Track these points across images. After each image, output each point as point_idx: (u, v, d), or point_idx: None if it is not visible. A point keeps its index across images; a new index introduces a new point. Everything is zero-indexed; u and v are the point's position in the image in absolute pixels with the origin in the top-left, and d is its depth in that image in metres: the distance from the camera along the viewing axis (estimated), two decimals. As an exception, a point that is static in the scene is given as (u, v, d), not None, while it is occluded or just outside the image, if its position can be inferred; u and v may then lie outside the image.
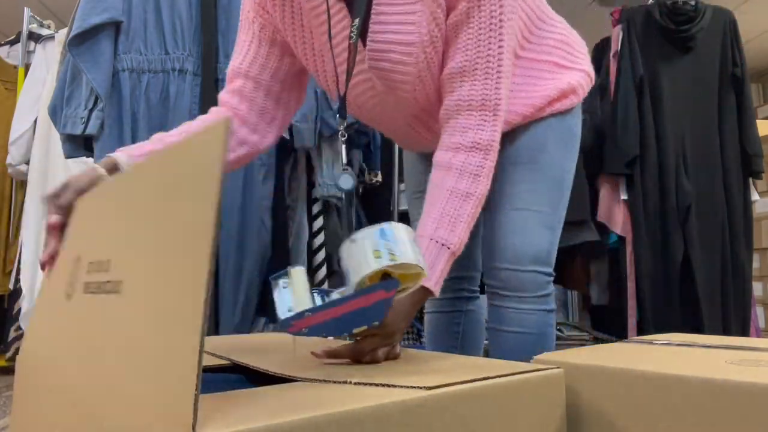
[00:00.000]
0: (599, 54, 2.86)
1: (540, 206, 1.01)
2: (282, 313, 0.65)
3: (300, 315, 0.62)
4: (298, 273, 0.68)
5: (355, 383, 0.55)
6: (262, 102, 1.01)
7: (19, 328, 2.49)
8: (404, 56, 0.86)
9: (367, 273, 0.63)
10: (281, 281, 0.68)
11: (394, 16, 0.85)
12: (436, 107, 0.93)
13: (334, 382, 0.56)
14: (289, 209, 2.06)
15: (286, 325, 0.63)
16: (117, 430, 0.48)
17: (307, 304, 0.66)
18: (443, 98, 0.88)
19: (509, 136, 1.01)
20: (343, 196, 2.06)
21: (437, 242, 0.78)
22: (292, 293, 0.67)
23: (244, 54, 1.00)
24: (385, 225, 0.66)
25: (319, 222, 2.10)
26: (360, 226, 2.27)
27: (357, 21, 0.83)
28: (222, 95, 1.03)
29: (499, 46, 0.83)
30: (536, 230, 1.02)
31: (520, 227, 1.01)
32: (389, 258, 0.63)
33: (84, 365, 0.57)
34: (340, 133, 0.97)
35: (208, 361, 0.73)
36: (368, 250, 0.64)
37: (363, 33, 0.86)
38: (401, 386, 0.52)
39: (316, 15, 0.91)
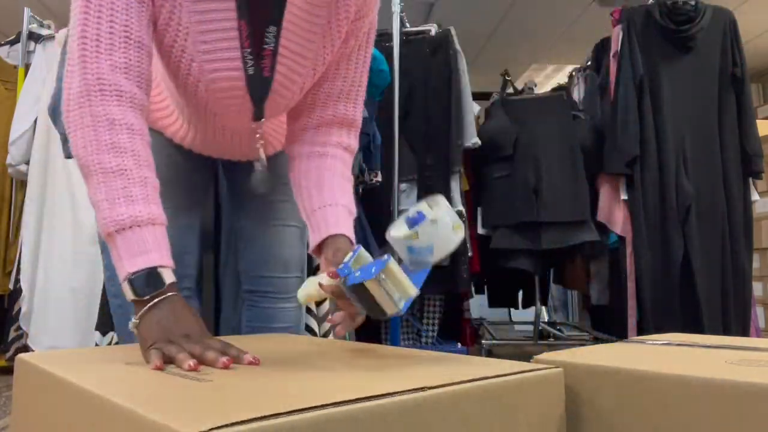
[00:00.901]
0: (599, 54, 2.86)
1: (298, 222, 1.19)
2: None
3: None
4: (391, 265, 0.72)
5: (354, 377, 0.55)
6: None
7: (19, 328, 2.49)
8: (298, 78, 0.98)
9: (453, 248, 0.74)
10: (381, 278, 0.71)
11: (300, 36, 0.95)
12: (284, 116, 1.11)
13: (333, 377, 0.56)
14: (289, 209, 2.05)
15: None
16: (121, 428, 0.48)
17: (411, 290, 0.72)
18: (313, 107, 1.03)
19: (278, 158, 1.16)
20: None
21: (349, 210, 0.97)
22: (395, 285, 0.71)
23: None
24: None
25: (319, 222, 2.09)
26: (360, 225, 2.27)
27: (273, 29, 0.92)
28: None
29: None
30: (297, 243, 1.23)
31: (288, 241, 1.22)
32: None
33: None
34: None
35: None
36: (449, 227, 0.73)
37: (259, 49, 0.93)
38: (401, 385, 0.52)
39: (200, 20, 0.90)
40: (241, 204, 1.25)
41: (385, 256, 0.71)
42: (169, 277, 0.77)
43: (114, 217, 0.75)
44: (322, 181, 0.98)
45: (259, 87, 0.95)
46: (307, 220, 0.98)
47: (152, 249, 0.76)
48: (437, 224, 0.72)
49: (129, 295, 0.78)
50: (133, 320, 0.78)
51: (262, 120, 0.99)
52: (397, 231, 0.74)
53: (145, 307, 0.76)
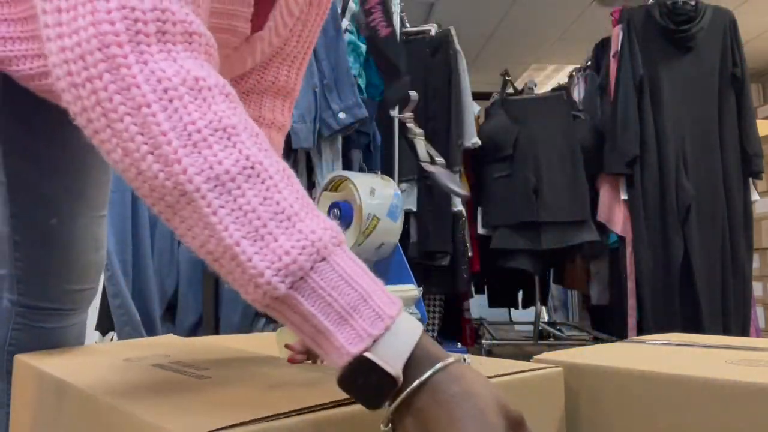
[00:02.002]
0: (599, 54, 2.86)
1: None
2: None
3: None
4: None
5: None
6: None
7: (19, 328, 2.49)
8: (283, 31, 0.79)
9: None
10: None
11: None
12: None
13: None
14: (289, 209, 2.05)
15: None
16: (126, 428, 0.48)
17: None
18: (252, 68, 0.82)
19: None
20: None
21: None
22: None
23: None
24: None
25: (319, 222, 2.09)
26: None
27: None
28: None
29: (311, 48, 0.88)
30: (105, 241, 0.92)
31: (101, 239, 0.89)
32: None
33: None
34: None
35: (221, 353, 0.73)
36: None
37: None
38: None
39: None
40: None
41: None
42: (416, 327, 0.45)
43: (282, 265, 0.42)
44: None
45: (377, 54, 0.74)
46: None
47: (376, 295, 0.44)
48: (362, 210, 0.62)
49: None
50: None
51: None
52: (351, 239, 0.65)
53: (425, 392, 0.43)
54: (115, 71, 0.41)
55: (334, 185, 0.64)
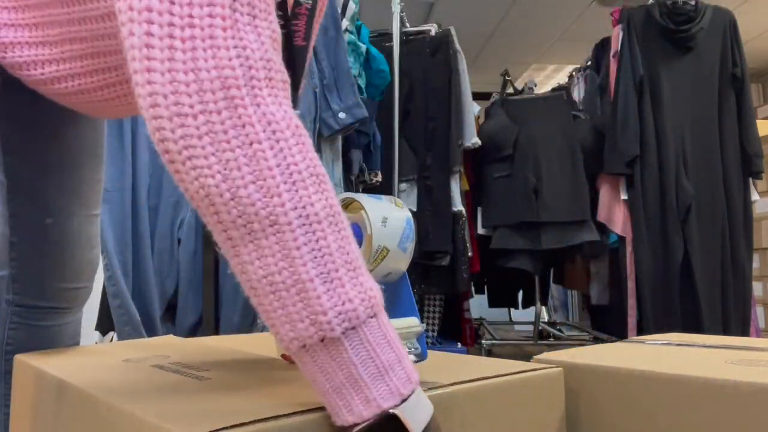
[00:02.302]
0: (599, 54, 2.86)
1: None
2: None
3: None
4: None
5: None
6: None
7: (19, 328, 2.49)
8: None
9: None
10: None
11: None
12: None
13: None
14: (289, 209, 2.05)
15: None
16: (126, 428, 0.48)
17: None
18: None
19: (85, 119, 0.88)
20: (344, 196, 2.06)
21: None
22: None
23: None
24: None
25: (319, 222, 2.09)
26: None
27: None
28: None
29: None
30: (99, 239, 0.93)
31: (95, 238, 0.91)
32: None
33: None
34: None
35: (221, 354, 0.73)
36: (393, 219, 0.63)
37: None
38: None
39: None
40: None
41: None
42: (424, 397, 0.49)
43: (344, 309, 0.45)
44: None
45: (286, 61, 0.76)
46: None
47: (407, 361, 0.48)
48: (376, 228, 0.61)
49: None
50: None
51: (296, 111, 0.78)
52: None
53: None
54: (233, 109, 0.46)
55: (345, 203, 0.64)
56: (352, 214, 0.63)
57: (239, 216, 0.45)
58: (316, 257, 0.45)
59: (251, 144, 0.46)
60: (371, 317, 0.46)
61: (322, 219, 0.47)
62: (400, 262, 0.64)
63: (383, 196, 0.66)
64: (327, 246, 0.46)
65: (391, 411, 0.44)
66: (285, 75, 0.51)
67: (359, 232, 0.61)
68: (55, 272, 0.86)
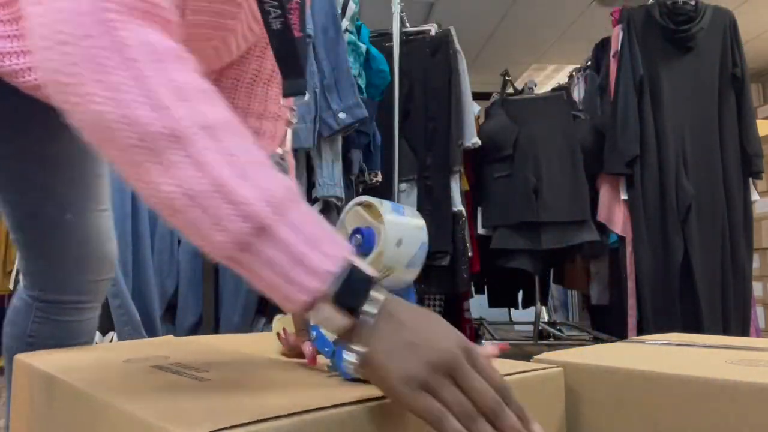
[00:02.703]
0: (599, 54, 2.86)
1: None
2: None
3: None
4: None
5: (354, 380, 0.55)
6: None
7: (19, 328, 2.49)
8: None
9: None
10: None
11: None
12: None
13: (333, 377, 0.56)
14: (289, 209, 2.05)
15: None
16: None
17: None
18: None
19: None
20: (343, 196, 2.06)
21: None
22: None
23: None
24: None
25: (319, 222, 2.09)
26: (360, 226, 2.26)
27: None
28: None
29: None
30: (113, 234, 0.95)
31: (107, 231, 0.92)
32: None
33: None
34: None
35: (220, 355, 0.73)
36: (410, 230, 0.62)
37: None
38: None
39: None
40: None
41: None
42: (367, 267, 0.51)
43: (267, 197, 0.47)
44: None
45: (287, 51, 0.71)
46: None
47: (335, 233, 0.50)
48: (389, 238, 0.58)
49: (329, 314, 0.49)
50: (352, 357, 0.49)
51: (305, 97, 0.77)
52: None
53: (372, 321, 0.49)
54: (112, 32, 0.46)
55: (366, 204, 0.62)
56: (371, 218, 0.62)
57: (140, 139, 0.45)
58: (226, 160, 0.46)
59: (134, 63, 0.46)
60: (293, 201, 0.48)
61: (220, 127, 0.48)
62: (406, 276, 0.63)
63: (406, 208, 0.65)
64: (234, 148, 0.47)
65: (342, 264, 0.47)
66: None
67: (371, 240, 0.60)
68: (79, 266, 0.87)
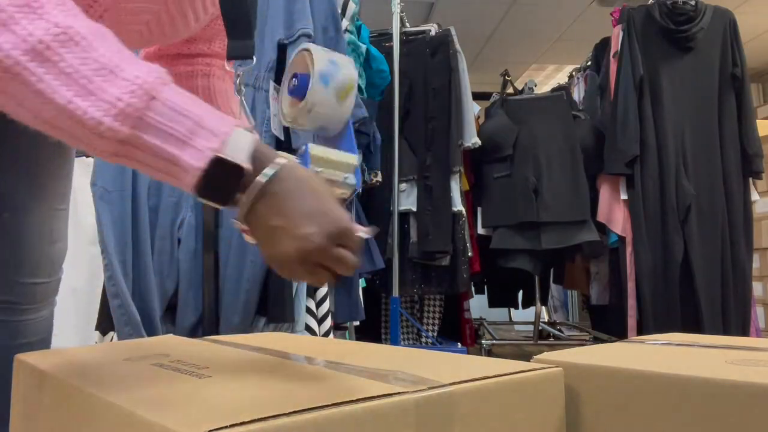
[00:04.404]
0: (599, 54, 2.86)
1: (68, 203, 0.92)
2: None
3: None
4: (314, 151, 0.66)
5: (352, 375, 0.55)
6: None
7: (19, 328, 2.48)
8: None
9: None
10: None
11: None
12: None
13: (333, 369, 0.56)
14: (289, 209, 2.05)
15: None
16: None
17: (351, 159, 0.67)
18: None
19: None
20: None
21: None
22: (334, 167, 0.65)
23: None
24: None
25: (319, 222, 2.09)
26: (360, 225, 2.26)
27: None
28: None
29: None
30: (66, 233, 0.91)
31: (60, 231, 0.89)
32: None
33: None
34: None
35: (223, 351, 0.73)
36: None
37: None
38: (401, 386, 0.52)
39: None
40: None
41: (302, 147, 0.64)
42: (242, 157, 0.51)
43: (143, 81, 0.47)
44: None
45: (237, 8, 0.71)
46: None
47: (208, 119, 0.50)
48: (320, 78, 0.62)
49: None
50: (237, 218, 0.53)
51: (253, 61, 0.75)
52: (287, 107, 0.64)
53: (265, 181, 0.51)
54: None
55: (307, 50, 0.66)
56: (310, 63, 0.65)
57: None
58: (64, 81, 0.45)
59: None
60: (151, 100, 0.48)
61: (50, 43, 0.46)
62: (331, 110, 0.65)
63: (340, 67, 0.68)
64: (69, 66, 0.46)
65: (213, 156, 0.48)
66: None
67: (305, 83, 0.64)
68: (9, 266, 0.83)
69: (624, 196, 2.48)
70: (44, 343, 0.92)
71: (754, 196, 2.54)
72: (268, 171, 0.51)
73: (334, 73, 0.66)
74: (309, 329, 1.84)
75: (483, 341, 3.05)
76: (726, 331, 2.33)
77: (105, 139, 0.46)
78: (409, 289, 2.49)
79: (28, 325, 0.88)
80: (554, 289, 3.79)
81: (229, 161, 0.49)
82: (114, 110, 0.46)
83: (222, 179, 0.50)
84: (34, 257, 0.85)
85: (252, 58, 0.73)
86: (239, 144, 0.50)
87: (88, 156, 1.90)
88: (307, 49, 0.66)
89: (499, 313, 3.95)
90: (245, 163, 0.50)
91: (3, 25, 0.45)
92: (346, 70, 0.67)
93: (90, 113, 0.46)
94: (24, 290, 0.85)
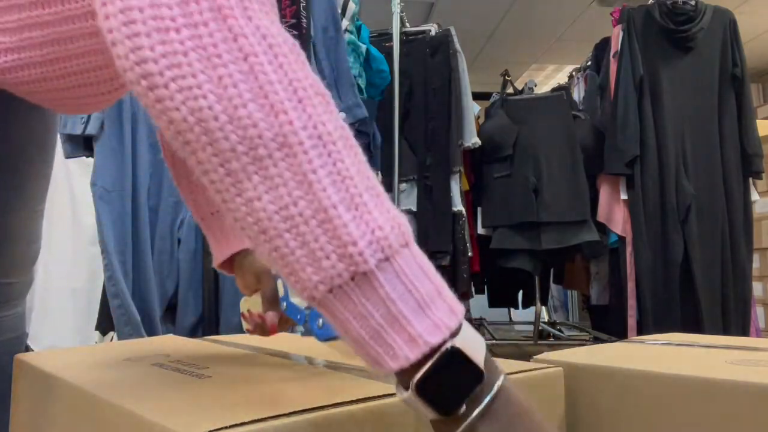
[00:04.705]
0: (599, 54, 2.86)
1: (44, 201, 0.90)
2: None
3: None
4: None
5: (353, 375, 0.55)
6: None
7: (19, 328, 2.49)
8: None
9: None
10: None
11: None
12: None
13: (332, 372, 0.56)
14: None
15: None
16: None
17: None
18: None
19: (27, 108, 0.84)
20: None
21: None
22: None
23: None
24: None
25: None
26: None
27: None
28: None
29: None
30: (41, 233, 0.89)
31: (36, 233, 0.88)
32: None
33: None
34: None
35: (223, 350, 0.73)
36: None
37: None
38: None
39: None
40: None
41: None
42: (479, 354, 0.40)
43: (376, 237, 0.39)
44: None
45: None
46: (201, 222, 0.75)
47: (448, 293, 0.41)
48: None
49: (423, 409, 0.39)
50: None
51: None
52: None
53: (466, 424, 0.39)
54: (221, 21, 0.39)
55: None
56: None
57: (240, 141, 0.38)
58: (335, 181, 0.39)
59: (246, 58, 0.39)
60: (403, 246, 0.40)
61: (336, 139, 0.40)
62: None
63: None
64: (346, 169, 0.39)
65: (449, 346, 0.38)
66: (274, 1, 0.45)
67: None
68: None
69: (624, 196, 2.49)
70: (19, 340, 0.90)
71: (754, 196, 2.54)
72: (498, 382, 0.40)
73: None
74: (309, 329, 1.83)
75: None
76: (726, 331, 2.33)
77: (344, 262, 0.38)
78: (409, 289, 2.49)
79: (3, 321, 0.87)
80: (554, 289, 3.79)
81: (470, 358, 0.39)
82: (372, 237, 0.38)
83: (451, 376, 0.38)
84: (14, 257, 0.83)
85: None
86: (472, 335, 0.40)
87: (87, 156, 1.90)
88: None
89: (499, 313, 3.94)
90: (482, 366, 0.39)
91: (300, 102, 0.39)
92: None
93: (350, 228, 0.38)
94: (1, 289, 0.84)
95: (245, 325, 0.68)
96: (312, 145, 0.39)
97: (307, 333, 0.57)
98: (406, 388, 0.39)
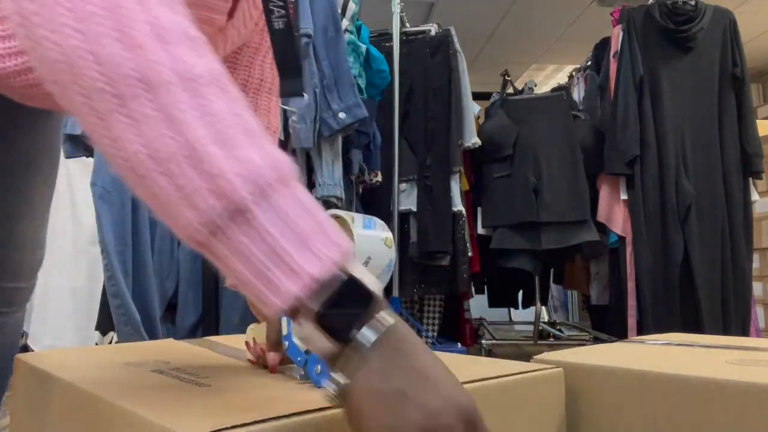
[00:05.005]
0: (599, 54, 2.86)
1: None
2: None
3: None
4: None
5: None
6: None
7: (19, 328, 2.48)
8: None
9: None
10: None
11: None
12: None
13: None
14: (289, 209, 2.05)
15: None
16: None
17: None
18: None
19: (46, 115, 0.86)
20: (343, 196, 2.06)
21: None
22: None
23: None
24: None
25: (319, 222, 2.09)
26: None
27: None
28: None
29: None
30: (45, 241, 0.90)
31: (40, 240, 0.88)
32: None
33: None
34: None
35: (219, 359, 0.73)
36: None
37: None
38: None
39: None
40: None
41: None
42: (370, 281, 0.41)
43: (250, 172, 0.38)
44: None
45: (289, 50, 0.68)
46: None
47: (332, 227, 0.41)
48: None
49: (310, 332, 0.40)
50: (331, 385, 0.42)
51: (304, 97, 0.72)
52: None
53: (359, 355, 0.40)
54: None
55: (336, 217, 0.62)
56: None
57: (106, 81, 0.38)
58: (206, 122, 0.38)
59: (116, 2, 0.39)
60: (284, 184, 0.39)
61: (207, 82, 0.39)
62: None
63: (377, 223, 0.64)
64: (220, 111, 0.39)
65: (335, 273, 0.38)
66: None
67: None
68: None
69: (624, 196, 2.49)
70: (15, 344, 0.91)
71: (754, 196, 2.54)
72: (388, 319, 0.40)
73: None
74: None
75: (483, 341, 3.05)
76: (726, 331, 2.33)
77: (219, 200, 0.37)
78: (409, 289, 2.49)
79: (4, 326, 0.88)
80: (554, 289, 3.79)
81: (361, 283, 0.39)
82: (246, 172, 0.38)
83: (345, 303, 0.39)
84: (19, 263, 0.84)
85: (303, 95, 0.71)
86: (364, 273, 0.41)
87: (87, 156, 1.90)
88: (334, 217, 0.58)
89: (499, 313, 3.94)
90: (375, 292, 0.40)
91: (168, 44, 0.39)
92: (383, 259, 0.61)
93: (219, 162, 0.38)
94: (3, 294, 0.84)
95: (248, 355, 0.68)
96: (183, 87, 0.38)
97: (305, 377, 0.57)
98: (293, 318, 0.39)
